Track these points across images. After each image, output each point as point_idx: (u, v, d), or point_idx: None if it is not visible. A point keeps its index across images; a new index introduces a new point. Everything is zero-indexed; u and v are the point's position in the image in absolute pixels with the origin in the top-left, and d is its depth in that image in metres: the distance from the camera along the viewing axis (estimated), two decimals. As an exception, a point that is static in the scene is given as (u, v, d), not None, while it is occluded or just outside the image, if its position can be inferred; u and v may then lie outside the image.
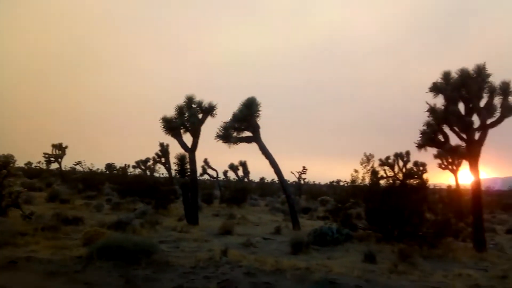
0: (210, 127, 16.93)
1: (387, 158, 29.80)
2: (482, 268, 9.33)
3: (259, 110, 16.18)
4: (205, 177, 42.97)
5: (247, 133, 16.47)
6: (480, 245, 11.85)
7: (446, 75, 12.30)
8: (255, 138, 16.18)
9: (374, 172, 15.17)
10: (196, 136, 16.37)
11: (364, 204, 13.83)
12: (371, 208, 13.21)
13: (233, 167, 38.20)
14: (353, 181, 14.41)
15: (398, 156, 29.74)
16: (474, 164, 12.10)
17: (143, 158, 47.12)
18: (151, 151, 45.86)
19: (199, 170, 39.84)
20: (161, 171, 48.69)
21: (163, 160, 41.96)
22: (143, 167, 47.10)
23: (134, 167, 49.07)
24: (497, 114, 11.87)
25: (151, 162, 46.13)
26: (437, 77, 12.55)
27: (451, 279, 7.73)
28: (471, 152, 12.06)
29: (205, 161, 38.84)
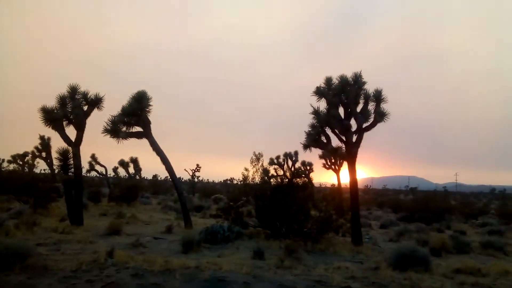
0: (98, 121, 15.98)
1: (278, 157, 31.22)
2: (358, 261, 10.21)
3: (150, 105, 15.65)
4: (93, 174, 40.54)
5: (137, 128, 15.85)
6: (357, 239, 12.98)
7: (328, 81, 13.26)
8: (146, 133, 15.66)
9: (265, 171, 15.73)
10: (80, 129, 15.14)
11: (255, 202, 14.23)
12: (261, 206, 13.66)
13: (123, 164, 36.54)
14: (244, 179, 14.76)
15: (287, 155, 31.31)
16: (352, 164, 13.21)
17: (21, 152, 42.95)
18: (30, 144, 42.00)
19: (85, 166, 37.49)
20: (41, 166, 44.94)
21: (43, 154, 38.61)
22: (20, 162, 42.85)
23: (9, 161, 44.46)
24: (371, 119, 13.14)
25: (29, 157, 42.22)
26: (322, 80, 13.46)
27: (331, 272, 8.32)
28: (349, 153, 13.16)
29: (93, 157, 36.57)
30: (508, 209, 36.90)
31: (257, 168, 14.77)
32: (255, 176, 14.69)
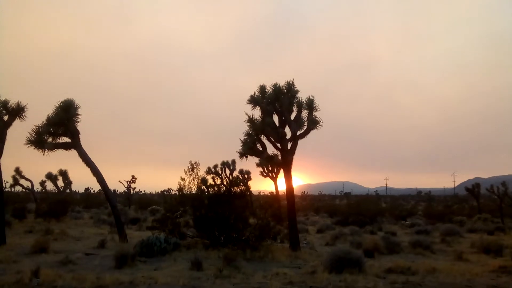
0: (22, 132, 14.87)
1: (215, 166, 30.99)
2: (296, 266, 10.32)
3: (78, 114, 14.77)
4: (18, 188, 37.74)
5: (65, 139, 14.92)
6: (294, 245, 13.15)
7: (262, 89, 13.42)
8: (74, 144, 14.77)
9: (203, 180, 15.53)
10: (0, 140, 13.92)
11: (192, 212, 13.98)
12: (198, 216, 13.43)
13: (51, 177, 34.30)
14: (180, 189, 14.46)
15: (225, 164, 31.17)
16: (287, 171, 13.42)
17: None
18: None
19: (9, 181, 34.85)
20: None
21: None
22: None
23: None
24: (305, 127, 13.45)
25: None
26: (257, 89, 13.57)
27: (270, 278, 8.33)
28: (284, 160, 13.36)
29: (17, 170, 34.00)
30: (433, 210, 39.49)
31: (193, 177, 14.49)
32: (191, 186, 14.43)
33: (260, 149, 13.94)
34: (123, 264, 9.74)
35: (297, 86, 13.42)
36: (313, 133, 13.51)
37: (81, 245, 14.05)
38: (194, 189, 14.37)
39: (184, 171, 14.63)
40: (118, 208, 16.46)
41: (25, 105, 14.42)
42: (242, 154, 13.92)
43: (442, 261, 11.58)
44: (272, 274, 8.70)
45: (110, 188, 16.18)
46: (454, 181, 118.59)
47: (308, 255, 12.36)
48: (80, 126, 15.12)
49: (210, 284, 7.67)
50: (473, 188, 36.40)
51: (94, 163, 15.00)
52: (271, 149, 14.03)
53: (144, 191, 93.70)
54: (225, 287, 7.48)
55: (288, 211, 13.67)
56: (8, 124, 14.22)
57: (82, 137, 15.10)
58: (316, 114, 13.56)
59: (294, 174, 13.67)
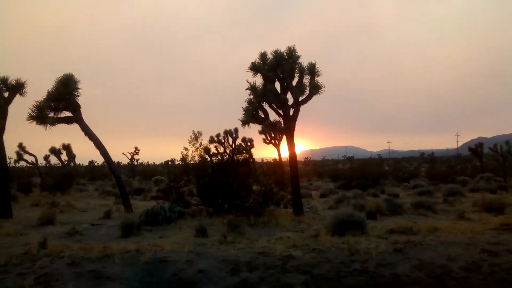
0: (23, 108, 14.89)
1: (218, 135, 31.06)
2: (299, 230, 10.48)
3: (78, 88, 14.76)
4: (23, 164, 38.06)
5: (66, 113, 14.96)
6: (298, 209, 13.31)
7: (263, 56, 13.24)
8: (76, 118, 14.80)
9: (206, 149, 15.55)
10: (2, 117, 14.03)
11: (196, 181, 14.09)
12: (202, 184, 13.55)
13: (55, 151, 34.50)
14: (183, 159, 14.53)
15: (227, 133, 31.22)
16: (290, 138, 13.41)
17: None
18: None
19: (13, 156, 35.10)
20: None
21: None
22: None
23: None
24: (307, 92, 13.33)
25: None
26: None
27: (273, 242, 8.46)
28: (287, 126, 13.33)
29: (20, 146, 34.21)
30: (436, 171, 39.72)
31: (197, 147, 14.52)
32: (194, 155, 14.48)
33: (262, 116, 13.90)
34: (129, 233, 9.91)
35: (300, 52, 13.25)
36: (315, 98, 13.41)
37: (87, 216, 14.27)
38: (197, 158, 14.42)
39: (188, 140, 14.66)
40: (122, 179, 16.61)
41: (25, 81, 14.44)
42: (245, 122, 13.91)
43: (444, 221, 11.72)
44: (275, 238, 8.83)
45: (114, 160, 16.29)
46: (457, 142, 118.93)
47: (311, 219, 12.53)
48: (82, 101, 15.16)
49: (215, 250, 7.80)
50: (476, 148, 36.45)
51: (96, 136, 15.05)
52: (273, 116, 14.01)
53: (148, 162, 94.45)
54: (229, 252, 7.61)
55: (291, 176, 13.76)
56: (9, 100, 14.24)
57: (85, 111, 15.15)
58: (318, 79, 13.43)
59: (297, 140, 13.70)
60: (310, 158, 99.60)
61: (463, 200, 17.75)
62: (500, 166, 33.56)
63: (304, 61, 13.38)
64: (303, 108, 13.47)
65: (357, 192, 19.87)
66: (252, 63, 13.14)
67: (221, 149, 28.58)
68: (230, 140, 32.04)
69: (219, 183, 12.89)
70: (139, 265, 6.80)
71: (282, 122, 13.58)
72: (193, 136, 14.43)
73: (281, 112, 13.34)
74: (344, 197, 17.85)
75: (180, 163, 15.12)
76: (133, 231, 9.97)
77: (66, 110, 14.82)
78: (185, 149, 14.46)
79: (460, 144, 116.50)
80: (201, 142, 14.48)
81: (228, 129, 31.94)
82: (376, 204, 13.38)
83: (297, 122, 13.46)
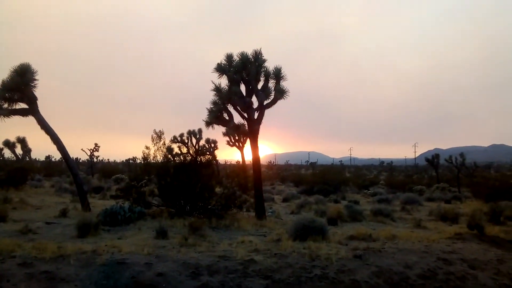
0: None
1: (181, 135, 30.68)
2: (261, 234, 10.45)
3: (35, 79, 14.10)
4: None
5: (22, 105, 14.27)
6: (260, 213, 13.31)
7: (229, 58, 13.19)
8: (32, 110, 14.14)
9: (169, 149, 15.30)
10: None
11: (157, 181, 13.82)
12: (164, 185, 13.30)
13: (9, 144, 33.00)
14: (145, 158, 14.22)
15: (191, 133, 30.89)
16: (254, 141, 13.40)
17: None
18: None
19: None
20: None
21: None
22: None
23: None
24: (272, 96, 13.37)
25: None
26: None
27: (235, 246, 8.38)
28: (251, 129, 13.31)
29: (-28, 138, 32.55)
30: (394, 179, 40.89)
31: (159, 146, 14.24)
32: (156, 155, 14.19)
33: (227, 118, 13.81)
34: (86, 233, 9.56)
35: (265, 56, 13.25)
36: (281, 103, 13.47)
37: (42, 214, 13.68)
38: (159, 157, 14.15)
39: (151, 139, 14.35)
40: (80, 176, 16.04)
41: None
42: (208, 123, 13.77)
43: (402, 229, 12.04)
44: (237, 242, 8.76)
45: (72, 156, 15.72)
46: (415, 152, 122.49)
47: (273, 223, 12.54)
48: (40, 93, 14.48)
49: (175, 253, 7.63)
50: (432, 159, 37.78)
51: (53, 130, 14.45)
52: (237, 118, 13.93)
53: (108, 159, 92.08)
54: (190, 255, 7.47)
55: (254, 180, 13.74)
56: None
57: (42, 104, 14.49)
58: (283, 84, 13.49)
59: (261, 143, 13.71)
60: (273, 162, 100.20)
61: (419, 208, 18.33)
62: (454, 177, 34.92)
63: (269, 65, 13.43)
64: (268, 111, 13.51)
65: (319, 198, 20.12)
66: (218, 64, 13.03)
67: (184, 150, 28.33)
68: (194, 140, 31.74)
69: (181, 184, 12.69)
70: (96, 267, 6.55)
71: (246, 125, 13.54)
72: (155, 135, 14.13)
73: (245, 115, 13.31)
74: (306, 202, 18.03)
75: (142, 162, 14.77)
76: (90, 231, 9.62)
77: (22, 102, 14.13)
78: (147, 148, 14.16)
79: (417, 154, 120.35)
80: (163, 142, 14.21)
81: (192, 130, 31.63)
82: (337, 210, 13.58)
83: (261, 126, 13.48)
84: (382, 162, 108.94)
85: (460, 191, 29.62)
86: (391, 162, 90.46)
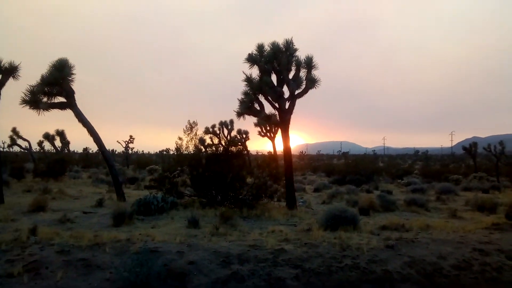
0: (17, 92, 14.69)
1: (213, 126, 30.93)
2: (292, 224, 10.46)
3: (72, 73, 14.54)
4: (16, 149, 37.75)
5: (60, 99, 14.78)
6: (291, 203, 13.29)
7: (260, 48, 13.11)
8: (70, 104, 14.64)
9: (201, 140, 15.48)
10: (-5, 100, 13.77)
11: (189, 171, 14.03)
12: (196, 175, 13.49)
13: (48, 137, 34.24)
14: (177, 149, 14.44)
15: (223, 124, 31.09)
16: (285, 131, 13.35)
17: None
18: None
19: (6, 141, 34.84)
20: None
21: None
22: None
23: None
24: (303, 86, 13.23)
25: None
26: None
27: (265, 236, 8.43)
28: (282, 119, 13.25)
29: (14, 131, 33.91)
30: (429, 169, 39.85)
31: (191, 137, 14.42)
32: (189, 145, 14.38)
33: (258, 108, 13.80)
34: (121, 222, 9.85)
35: (298, 45, 13.13)
36: (312, 92, 13.34)
37: (79, 204, 14.18)
38: (191, 148, 14.34)
39: (183, 130, 14.55)
40: (115, 167, 16.50)
41: (18, 64, 14.14)
42: (240, 114, 13.81)
43: (436, 219, 11.75)
44: (267, 232, 8.81)
45: (108, 148, 16.18)
46: (451, 141, 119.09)
47: (304, 213, 12.51)
48: (77, 87, 14.96)
49: (206, 241, 7.75)
50: (470, 147, 36.59)
51: (90, 123, 14.91)
52: (269, 109, 13.90)
53: (143, 151, 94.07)
54: (221, 244, 7.56)
55: (285, 170, 13.72)
56: (2, 83, 13.98)
57: (79, 98, 14.96)
58: (315, 73, 13.33)
59: (293, 133, 13.67)
60: (305, 152, 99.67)
61: (455, 198, 17.81)
62: (493, 166, 33.71)
63: (301, 54, 13.30)
64: (299, 101, 13.41)
65: (351, 188, 19.87)
66: (249, 54, 13.01)
67: (216, 140, 28.58)
68: (226, 131, 31.95)
69: (212, 174, 12.83)
70: (129, 255, 6.74)
71: (277, 115, 13.49)
72: (188, 126, 14.32)
73: (276, 105, 13.26)
74: (338, 192, 17.85)
75: (175, 153, 15.02)
76: (124, 220, 9.91)
77: (60, 96, 14.63)
78: (180, 139, 14.37)
79: (454, 143, 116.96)
80: (196, 132, 14.38)
81: (223, 121, 31.83)
82: (369, 200, 13.38)
83: (293, 116, 13.40)
84: (417, 151, 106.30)
85: (499, 180, 28.56)
86: (427, 151, 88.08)
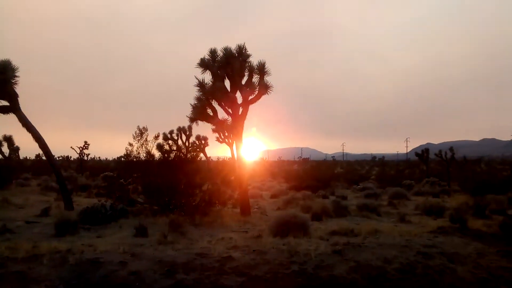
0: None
1: (171, 132, 30.32)
2: (244, 231, 10.37)
3: (15, 76, 13.85)
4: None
5: (3, 102, 14.04)
6: (245, 209, 13.21)
7: (213, 53, 13.00)
8: (13, 108, 13.89)
9: (159, 146, 15.10)
10: None
11: (141, 178, 13.68)
12: (148, 182, 13.17)
13: (-6, 143, 32.49)
14: (127, 155, 14.03)
15: (181, 130, 30.52)
16: (239, 137, 13.29)
17: None
18: None
19: None
20: None
21: None
22: None
23: None
24: (256, 91, 13.21)
25: None
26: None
27: (214, 243, 8.29)
28: (236, 125, 13.17)
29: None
30: (385, 174, 40.95)
31: (142, 143, 14.02)
32: (139, 152, 13.98)
33: (211, 114, 13.64)
34: (64, 232, 9.43)
35: (260, 52, 13.15)
36: (274, 98, 13.35)
37: (23, 213, 13.48)
38: (143, 154, 13.95)
39: (133, 136, 14.12)
40: (62, 174, 15.80)
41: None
42: (192, 119, 13.60)
43: (386, 223, 12.00)
44: (217, 239, 8.68)
45: (63, 154, 15.56)
46: (407, 147, 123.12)
47: (258, 219, 12.46)
48: (29, 91, 14.29)
49: (152, 251, 7.53)
50: (422, 153, 37.85)
51: (35, 128, 14.22)
52: (222, 114, 13.77)
53: (99, 157, 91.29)
54: (167, 253, 7.36)
55: (240, 176, 13.63)
56: None
57: (32, 102, 14.32)
58: (268, 78, 13.31)
59: (254, 139, 13.60)
60: (266, 158, 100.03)
61: (407, 203, 18.30)
62: (445, 171, 35.00)
63: (254, 60, 13.25)
64: (262, 107, 13.41)
65: (307, 194, 20.01)
66: (201, 59, 12.87)
67: (174, 147, 28.10)
68: (184, 137, 31.39)
69: (164, 181, 12.56)
70: (67, 266, 6.43)
71: (230, 121, 13.39)
72: (138, 132, 13.91)
73: (230, 110, 13.17)
74: (294, 198, 17.92)
75: (124, 159, 14.58)
76: (68, 230, 9.49)
77: (3, 99, 13.90)
78: (130, 144, 13.95)
79: (409, 149, 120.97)
80: (146, 138, 13.99)
81: (182, 126, 31.25)
82: (323, 205, 13.51)
83: (254, 122, 13.39)
84: (374, 157, 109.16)
85: (449, 185, 29.68)
86: (383, 157, 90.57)
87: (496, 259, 7.63)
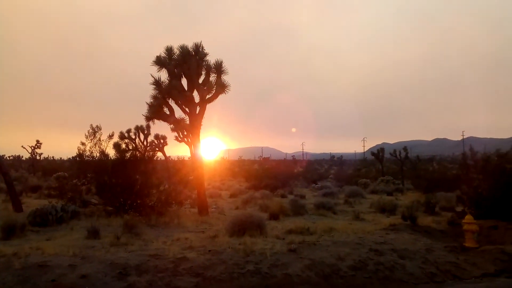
0: None
1: (128, 131, 29.60)
2: (200, 231, 10.27)
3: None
4: None
5: None
6: (202, 209, 13.09)
7: (169, 51, 12.77)
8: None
9: (116, 145, 14.69)
10: None
11: (95, 179, 13.26)
12: (101, 182, 12.78)
13: None
14: (80, 154, 13.56)
15: (139, 129, 29.86)
16: (196, 136, 13.16)
17: None
18: None
19: None
20: None
21: None
22: None
23: None
24: (213, 91, 13.09)
25: None
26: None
27: (170, 244, 8.16)
28: (193, 124, 13.02)
29: None
30: (343, 173, 41.84)
31: (95, 142, 13.58)
32: (93, 151, 13.54)
33: (168, 113, 13.41)
34: (11, 235, 9.00)
35: (219, 51, 13.09)
36: (234, 97, 13.31)
37: (-32, 216, 12.75)
38: (96, 154, 13.51)
39: (85, 135, 13.65)
40: (10, 174, 15.05)
41: None
42: (149, 118, 13.32)
43: (341, 221, 12.25)
44: (172, 240, 8.56)
45: (14, 154, 14.81)
46: (364, 146, 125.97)
47: (215, 219, 12.38)
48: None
49: (104, 253, 7.30)
50: (378, 153, 38.94)
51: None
52: (179, 113, 13.56)
53: (53, 157, 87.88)
54: (119, 255, 7.15)
55: (197, 176, 13.50)
56: None
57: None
58: (225, 78, 13.21)
59: (214, 138, 13.49)
60: (226, 157, 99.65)
61: (362, 201, 18.77)
62: (399, 170, 36.19)
63: (211, 58, 13.13)
64: (222, 106, 13.35)
65: (266, 193, 20.10)
66: (157, 56, 12.61)
67: (131, 146, 27.44)
68: (142, 136, 30.74)
69: (119, 181, 12.23)
70: (12, 271, 6.13)
71: (188, 119, 13.21)
72: (91, 131, 13.46)
73: (187, 109, 13.00)
74: (252, 197, 17.97)
75: (77, 159, 14.07)
76: (16, 232, 9.06)
77: None
78: (82, 144, 13.48)
79: (366, 148, 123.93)
80: (99, 138, 13.56)
81: (139, 125, 30.57)
82: (280, 205, 13.61)
83: (214, 121, 13.27)
84: (332, 156, 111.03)
85: (403, 183, 30.70)
86: (341, 156, 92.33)
87: (444, 254, 7.96)
